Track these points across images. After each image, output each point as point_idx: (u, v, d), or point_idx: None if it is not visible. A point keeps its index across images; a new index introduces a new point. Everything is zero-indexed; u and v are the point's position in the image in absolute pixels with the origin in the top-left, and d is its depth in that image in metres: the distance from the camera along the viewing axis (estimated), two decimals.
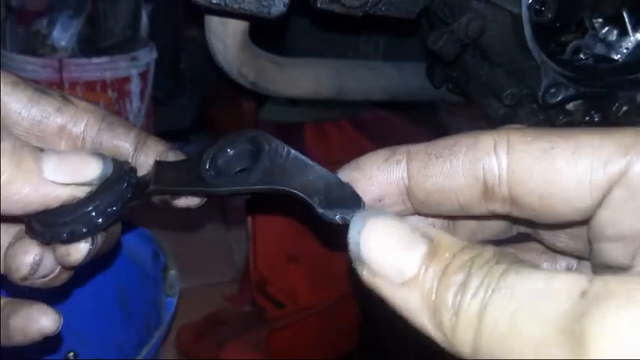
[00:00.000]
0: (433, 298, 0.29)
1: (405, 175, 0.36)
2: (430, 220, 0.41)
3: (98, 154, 0.43)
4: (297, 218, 1.10)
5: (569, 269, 0.42)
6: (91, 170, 0.41)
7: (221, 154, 0.43)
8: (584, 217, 0.33)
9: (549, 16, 0.72)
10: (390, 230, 0.32)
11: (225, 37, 0.86)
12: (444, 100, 1.17)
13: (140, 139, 0.49)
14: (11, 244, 0.47)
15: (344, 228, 0.36)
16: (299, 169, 0.39)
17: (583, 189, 0.31)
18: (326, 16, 0.75)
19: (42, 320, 0.49)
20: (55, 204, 0.41)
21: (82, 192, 0.41)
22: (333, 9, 0.73)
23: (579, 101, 0.77)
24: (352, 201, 0.37)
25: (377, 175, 0.37)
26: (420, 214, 0.39)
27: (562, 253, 0.41)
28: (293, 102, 1.23)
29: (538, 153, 0.32)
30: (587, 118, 0.78)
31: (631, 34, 0.80)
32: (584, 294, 0.25)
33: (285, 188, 0.39)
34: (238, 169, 0.43)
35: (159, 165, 0.46)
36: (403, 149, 0.37)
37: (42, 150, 0.41)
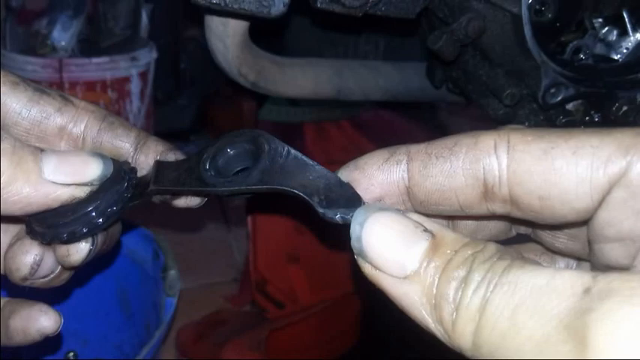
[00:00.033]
0: (434, 292, 0.30)
1: (405, 175, 0.36)
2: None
3: (98, 154, 0.43)
4: (297, 218, 1.10)
5: None
6: (91, 170, 0.41)
7: (221, 153, 0.43)
8: (584, 218, 0.33)
9: (549, 16, 0.72)
10: (393, 225, 0.32)
11: (225, 37, 0.86)
12: (444, 100, 1.17)
13: (140, 139, 0.49)
14: (11, 245, 0.48)
15: (344, 227, 0.36)
16: (299, 169, 0.39)
17: (583, 189, 0.31)
18: (326, 16, 0.75)
19: (42, 320, 0.49)
20: (55, 204, 0.41)
21: (82, 192, 0.41)
22: (333, 9, 0.73)
23: (579, 101, 0.77)
24: (352, 201, 0.37)
25: (377, 175, 0.37)
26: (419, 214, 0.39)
27: (561, 253, 0.41)
28: (293, 102, 1.23)
29: (538, 153, 0.32)
30: (587, 118, 0.78)
31: (631, 34, 0.80)
32: (587, 291, 0.25)
33: (285, 188, 0.39)
34: (238, 168, 0.43)
35: (159, 165, 0.46)
36: (403, 149, 0.37)
37: (42, 150, 0.41)
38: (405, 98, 1.09)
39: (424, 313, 0.30)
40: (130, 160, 0.48)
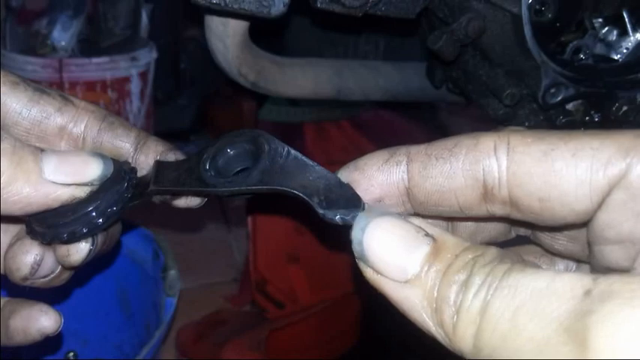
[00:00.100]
0: (435, 295, 0.30)
1: (405, 176, 0.36)
2: (430, 221, 0.41)
3: (98, 154, 0.43)
4: (297, 218, 1.10)
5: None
6: (92, 170, 0.41)
7: (221, 154, 0.43)
8: (583, 220, 0.33)
9: (549, 16, 0.72)
10: (394, 229, 0.32)
11: (225, 37, 0.86)
12: (444, 100, 1.17)
13: (140, 139, 0.49)
14: (12, 245, 0.48)
15: (344, 228, 0.36)
16: (299, 170, 0.39)
17: (583, 191, 0.31)
18: (326, 16, 0.75)
19: (42, 320, 0.49)
20: (55, 204, 0.41)
21: (82, 192, 0.41)
22: (333, 9, 0.73)
23: (579, 101, 0.77)
24: (352, 201, 0.37)
25: (377, 176, 0.37)
26: (419, 216, 0.40)
27: (560, 255, 0.41)
28: (293, 102, 1.23)
29: (538, 155, 0.32)
30: (587, 118, 0.78)
31: (631, 34, 0.80)
32: (587, 293, 0.25)
33: (285, 189, 0.39)
34: (238, 169, 0.43)
35: (159, 165, 0.46)
36: (403, 150, 0.37)
37: (42, 150, 0.41)
38: (405, 98, 1.09)
39: (425, 316, 0.30)
40: (130, 160, 0.48)
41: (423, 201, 0.36)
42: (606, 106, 0.76)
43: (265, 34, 0.95)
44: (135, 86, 1.26)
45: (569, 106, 0.77)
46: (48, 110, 0.46)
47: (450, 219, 0.41)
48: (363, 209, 0.36)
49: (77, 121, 0.47)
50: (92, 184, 0.41)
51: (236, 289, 1.30)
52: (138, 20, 1.30)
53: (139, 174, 0.46)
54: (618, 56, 0.81)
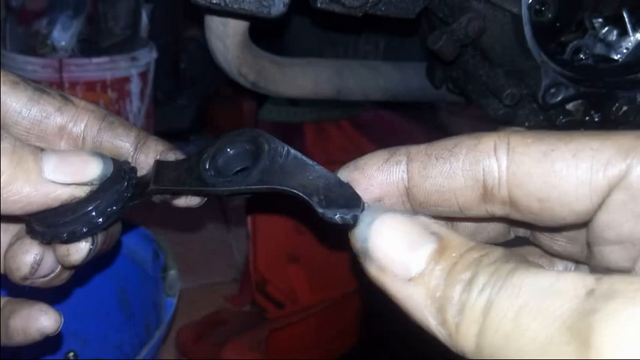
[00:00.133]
0: (439, 295, 0.30)
1: (405, 175, 0.36)
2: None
3: (98, 153, 0.43)
4: (297, 218, 1.10)
5: None
6: (91, 170, 0.41)
7: (221, 153, 0.43)
8: (583, 220, 0.33)
9: (549, 16, 0.72)
10: (400, 226, 0.32)
11: (225, 37, 0.86)
12: (444, 100, 1.17)
13: (140, 139, 0.49)
14: (11, 244, 0.47)
15: (344, 227, 0.36)
16: (299, 169, 0.39)
17: (582, 192, 0.31)
18: (326, 16, 0.75)
19: (42, 320, 0.49)
20: (55, 204, 0.41)
21: (82, 192, 0.41)
22: (333, 9, 0.73)
23: (579, 101, 0.77)
24: (352, 201, 0.37)
25: (377, 176, 0.37)
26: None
27: (559, 256, 0.41)
28: (293, 102, 1.23)
29: (538, 155, 0.32)
30: (587, 118, 0.78)
31: (631, 34, 0.80)
32: (590, 293, 0.25)
33: (284, 188, 0.39)
34: (238, 168, 0.43)
35: (159, 165, 0.46)
36: (403, 150, 0.37)
37: (42, 150, 0.41)
38: (405, 98, 1.09)
39: (428, 315, 0.30)
40: (129, 160, 0.48)
41: (422, 201, 0.36)
42: (606, 106, 0.76)
43: (265, 34, 0.95)
44: (135, 86, 1.26)
45: (569, 106, 0.77)
46: (48, 110, 0.46)
47: (450, 219, 0.41)
48: (363, 209, 0.36)
49: (77, 121, 0.47)
50: (92, 184, 0.41)
51: (236, 289, 1.30)
52: (138, 20, 1.30)
53: (139, 173, 0.46)
54: (618, 56, 0.81)
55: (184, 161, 0.45)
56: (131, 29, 1.29)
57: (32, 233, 0.44)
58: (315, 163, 0.39)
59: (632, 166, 0.30)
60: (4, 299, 0.51)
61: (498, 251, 0.30)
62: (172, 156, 0.48)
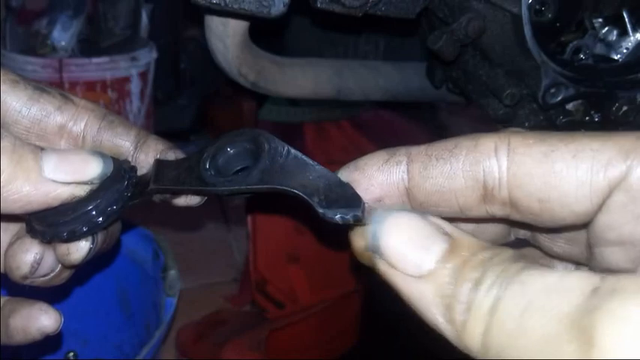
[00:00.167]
0: (448, 292, 0.30)
1: (405, 176, 0.36)
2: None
3: (98, 152, 0.43)
4: (297, 218, 1.10)
5: None
6: (92, 169, 0.41)
7: (221, 153, 0.43)
8: (583, 221, 0.33)
9: (549, 16, 0.72)
10: (413, 224, 0.32)
11: (225, 37, 0.86)
12: (444, 100, 1.17)
13: (140, 138, 0.49)
14: (11, 243, 0.48)
15: (344, 227, 0.36)
16: (299, 169, 0.39)
17: (583, 192, 0.31)
18: (326, 16, 0.75)
19: (42, 319, 0.49)
20: (55, 203, 0.41)
21: (82, 191, 0.41)
22: (333, 9, 0.73)
23: (579, 101, 0.77)
24: (352, 201, 0.37)
25: (377, 176, 0.37)
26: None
27: (559, 258, 0.41)
28: (293, 102, 1.23)
29: (539, 156, 0.32)
30: (587, 118, 0.78)
31: (631, 34, 0.80)
32: (595, 290, 0.25)
33: (285, 188, 0.39)
34: (238, 168, 0.43)
35: (159, 164, 0.46)
36: (403, 151, 0.37)
37: (42, 149, 0.41)
38: (405, 98, 1.09)
39: (436, 313, 0.30)
40: (130, 159, 0.48)
41: (422, 201, 0.36)
42: (606, 106, 0.76)
43: (265, 34, 0.95)
44: (135, 86, 1.26)
45: (569, 106, 0.77)
46: (48, 109, 0.46)
47: (450, 220, 0.41)
48: (363, 209, 0.36)
49: (77, 120, 0.47)
50: (92, 183, 0.41)
51: (236, 289, 1.30)
52: (138, 20, 1.30)
53: (139, 173, 0.46)
54: (618, 56, 0.81)
55: (184, 160, 0.45)
56: (131, 29, 1.29)
57: (32, 232, 0.44)
58: (316, 163, 0.39)
59: (633, 168, 0.30)
60: (4, 298, 0.51)
61: (508, 252, 0.30)
62: (172, 155, 0.48)
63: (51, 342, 0.85)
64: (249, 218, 1.14)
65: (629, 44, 0.80)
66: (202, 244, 1.42)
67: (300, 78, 0.99)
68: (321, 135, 1.25)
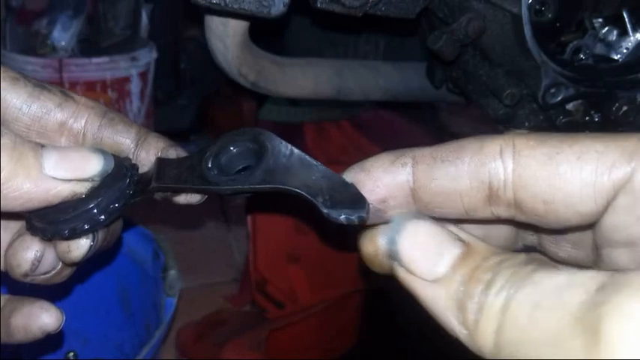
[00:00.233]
0: (461, 295, 0.31)
1: (411, 177, 0.37)
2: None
3: (99, 149, 0.42)
4: (297, 218, 1.10)
5: None
6: (92, 166, 0.41)
7: (224, 152, 0.43)
8: (588, 222, 0.33)
9: (549, 16, 0.73)
10: (428, 231, 0.34)
11: (225, 37, 0.86)
12: (444, 100, 1.17)
13: (141, 136, 0.49)
14: (12, 241, 0.47)
15: (348, 228, 0.37)
16: (302, 169, 0.39)
17: (587, 194, 0.32)
18: (326, 16, 0.75)
19: (44, 317, 0.49)
20: (56, 200, 0.41)
21: (83, 188, 0.41)
22: (333, 9, 0.73)
23: (579, 101, 0.77)
24: (357, 202, 0.37)
25: (383, 177, 0.38)
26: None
27: (565, 263, 0.41)
28: (293, 102, 1.23)
29: (543, 158, 0.33)
30: (587, 118, 0.78)
31: (631, 34, 0.80)
32: (602, 286, 0.26)
33: (288, 188, 0.39)
34: (240, 167, 0.43)
35: (160, 162, 0.46)
36: (409, 153, 0.37)
37: (42, 146, 0.41)
38: (405, 98, 1.09)
39: (450, 315, 0.31)
40: (130, 157, 0.48)
41: (428, 202, 0.37)
42: (606, 106, 0.76)
43: (265, 34, 0.95)
44: (135, 86, 1.27)
45: (569, 106, 0.77)
46: (48, 106, 0.46)
47: (455, 222, 0.41)
48: (368, 210, 0.37)
49: (77, 117, 0.47)
50: (93, 180, 0.41)
51: (236, 289, 1.30)
52: (138, 20, 1.30)
53: (140, 170, 0.46)
54: (618, 56, 0.81)
55: (186, 159, 0.45)
56: (131, 29, 1.30)
57: (33, 230, 0.43)
58: (319, 163, 0.39)
59: (637, 170, 0.31)
60: (4, 297, 0.51)
61: (519, 257, 0.31)
62: (173, 152, 0.48)
63: (52, 341, 0.85)
64: (249, 218, 1.14)
65: (629, 44, 0.80)
66: (202, 243, 1.42)
67: (300, 78, 0.99)
68: (321, 135, 1.25)
